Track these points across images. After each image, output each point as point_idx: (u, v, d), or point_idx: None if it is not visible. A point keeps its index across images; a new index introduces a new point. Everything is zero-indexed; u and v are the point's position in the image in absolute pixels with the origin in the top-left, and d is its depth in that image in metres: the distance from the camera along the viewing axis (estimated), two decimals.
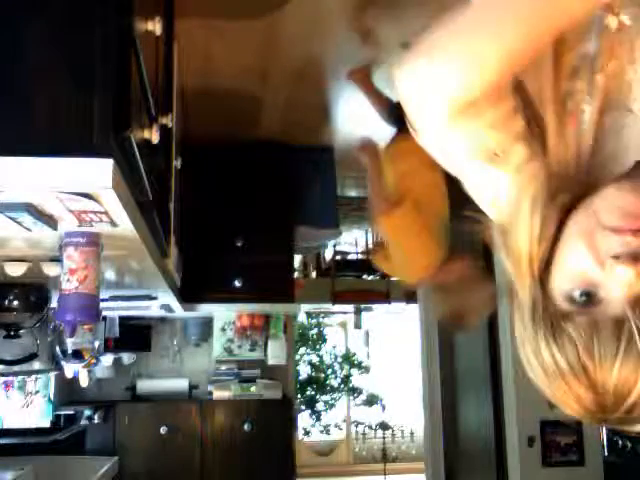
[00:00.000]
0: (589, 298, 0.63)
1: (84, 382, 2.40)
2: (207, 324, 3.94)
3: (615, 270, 0.61)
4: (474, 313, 2.14)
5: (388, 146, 2.47)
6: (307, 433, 8.18)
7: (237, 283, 3.52)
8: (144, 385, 3.77)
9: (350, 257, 7.09)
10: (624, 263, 0.60)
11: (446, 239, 2.24)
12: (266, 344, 3.94)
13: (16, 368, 2.32)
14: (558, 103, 0.72)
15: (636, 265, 0.60)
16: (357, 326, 7.90)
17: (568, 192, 0.70)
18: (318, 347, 8.70)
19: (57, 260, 1.36)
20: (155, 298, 2.59)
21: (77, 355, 2.36)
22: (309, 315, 8.42)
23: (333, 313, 8.44)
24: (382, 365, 8.57)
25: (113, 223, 1.20)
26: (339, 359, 8.72)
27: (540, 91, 0.73)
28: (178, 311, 3.20)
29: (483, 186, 0.77)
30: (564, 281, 0.66)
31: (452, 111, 0.68)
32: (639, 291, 0.60)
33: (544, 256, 0.68)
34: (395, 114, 2.46)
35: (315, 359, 8.65)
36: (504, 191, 0.74)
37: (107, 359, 3.48)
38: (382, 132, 2.59)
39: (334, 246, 6.39)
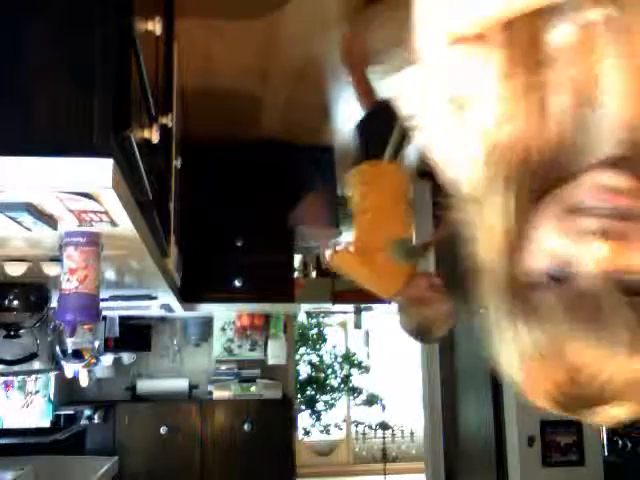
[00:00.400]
0: (566, 275, 0.64)
1: (84, 382, 2.40)
2: (207, 324, 3.94)
3: (593, 247, 0.61)
4: (439, 324, 2.22)
5: (360, 167, 2.52)
6: (307, 433, 8.17)
7: (237, 283, 3.52)
8: (144, 385, 3.77)
9: None
10: (602, 239, 0.61)
11: (409, 258, 2.34)
12: (266, 344, 3.94)
13: (16, 368, 2.32)
14: (529, 94, 0.72)
15: (614, 241, 0.61)
16: (357, 326, 7.88)
17: (539, 179, 0.70)
18: (318, 347, 8.69)
19: (57, 260, 1.36)
20: (155, 298, 2.59)
21: (77, 355, 2.36)
22: (309, 315, 8.41)
23: (333, 313, 8.43)
24: (382, 365, 8.57)
25: (113, 223, 1.20)
26: (339, 359, 8.71)
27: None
28: (178, 311, 3.20)
29: (455, 152, 0.77)
30: (541, 258, 0.66)
31: (450, 36, 0.71)
32: (615, 267, 0.61)
33: (516, 234, 0.69)
34: (374, 123, 2.53)
35: (315, 359, 8.64)
36: (475, 165, 0.74)
37: (107, 359, 3.48)
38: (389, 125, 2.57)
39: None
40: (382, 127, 2.40)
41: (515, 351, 0.65)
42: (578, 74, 0.72)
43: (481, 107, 0.73)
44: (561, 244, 0.64)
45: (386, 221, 2.35)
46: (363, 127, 2.56)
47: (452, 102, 0.74)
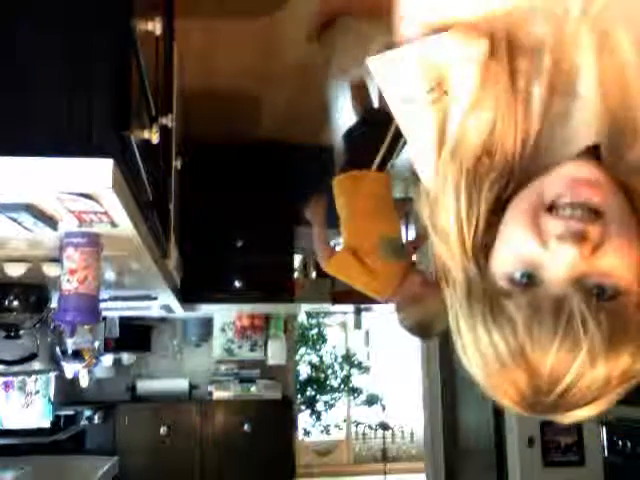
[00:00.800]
0: (530, 279, 0.62)
1: (84, 382, 2.40)
2: (207, 324, 3.94)
3: (558, 251, 0.60)
4: (438, 319, 2.22)
5: (338, 178, 2.55)
6: (307, 433, 8.17)
7: (237, 283, 3.52)
8: (144, 385, 3.77)
9: None
10: (567, 243, 0.59)
11: (399, 255, 2.35)
12: (266, 344, 3.94)
13: (16, 368, 2.31)
14: (508, 84, 0.71)
15: (579, 245, 0.59)
16: (357, 326, 7.89)
17: (509, 176, 0.68)
18: (318, 347, 8.69)
19: (57, 260, 1.35)
20: (155, 298, 2.58)
21: (77, 355, 2.37)
22: (309, 315, 8.41)
23: (333, 313, 8.43)
24: (382, 365, 8.57)
25: (113, 223, 1.20)
26: (339, 359, 8.71)
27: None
28: (178, 311, 3.20)
29: (424, 145, 0.76)
30: (505, 262, 0.65)
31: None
32: (581, 272, 0.60)
33: (477, 237, 0.67)
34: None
35: (315, 359, 8.64)
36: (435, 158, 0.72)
37: (107, 359, 3.48)
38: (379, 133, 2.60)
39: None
40: (372, 134, 2.43)
41: (476, 355, 0.64)
42: (558, 64, 0.71)
43: (456, 96, 0.72)
44: (529, 247, 0.62)
45: (372, 224, 2.40)
46: (350, 136, 2.60)
47: (432, 90, 0.73)
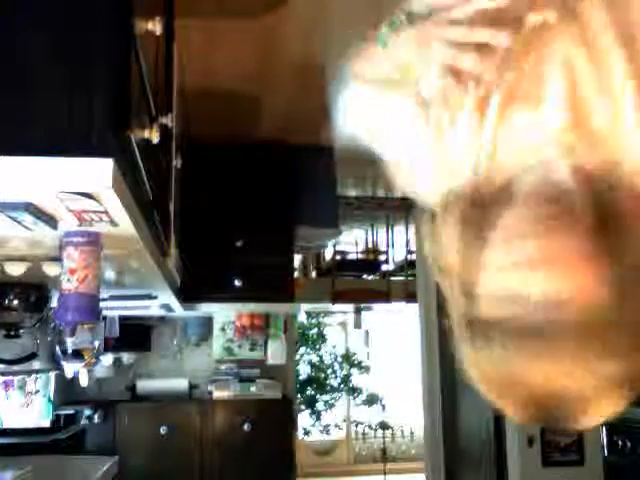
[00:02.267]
0: (514, 306, 0.62)
1: (84, 382, 2.40)
2: (207, 324, 3.95)
3: (530, 277, 0.59)
4: None
5: None
6: (307, 433, 8.18)
7: (237, 283, 3.52)
8: (144, 385, 3.77)
9: (350, 257, 7.09)
10: (537, 268, 0.59)
11: None
12: (266, 344, 3.94)
13: (16, 368, 2.32)
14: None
15: (547, 266, 0.59)
16: (357, 326, 7.90)
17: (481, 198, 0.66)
18: (318, 347, 8.70)
19: (57, 260, 1.36)
20: (155, 298, 2.59)
21: (77, 355, 2.36)
22: (309, 315, 8.42)
23: (333, 313, 8.44)
24: (382, 365, 8.57)
25: (113, 223, 1.20)
26: (339, 359, 8.72)
27: None
28: (178, 311, 3.20)
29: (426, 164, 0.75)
30: (489, 293, 0.63)
31: None
32: (557, 293, 0.59)
33: (472, 274, 0.66)
34: None
35: (315, 359, 8.65)
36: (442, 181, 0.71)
37: (107, 359, 3.48)
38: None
39: (334, 246, 6.39)
40: None
41: (475, 372, 0.66)
42: (520, 78, 0.68)
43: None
44: (505, 277, 0.62)
45: None
46: None
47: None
